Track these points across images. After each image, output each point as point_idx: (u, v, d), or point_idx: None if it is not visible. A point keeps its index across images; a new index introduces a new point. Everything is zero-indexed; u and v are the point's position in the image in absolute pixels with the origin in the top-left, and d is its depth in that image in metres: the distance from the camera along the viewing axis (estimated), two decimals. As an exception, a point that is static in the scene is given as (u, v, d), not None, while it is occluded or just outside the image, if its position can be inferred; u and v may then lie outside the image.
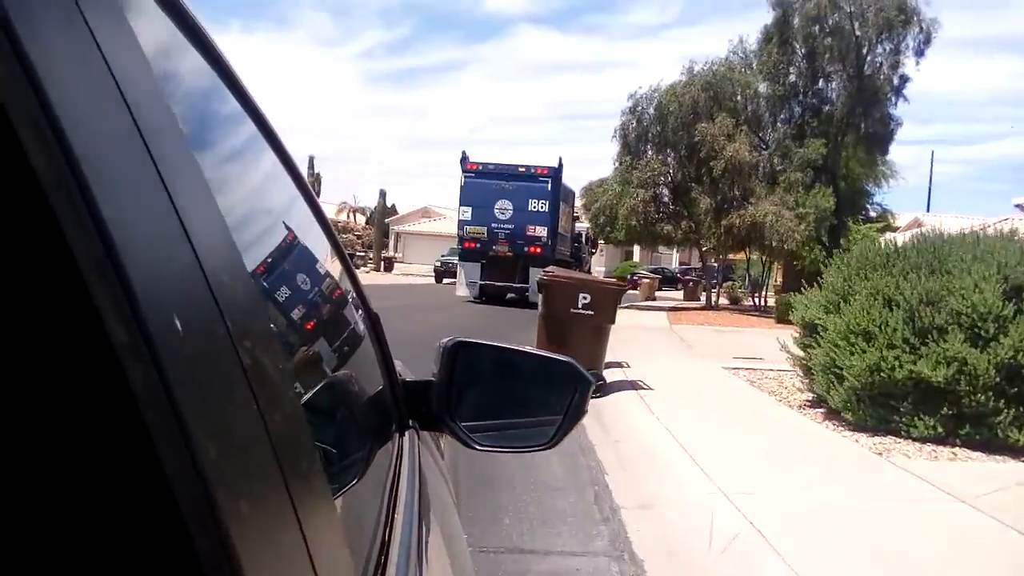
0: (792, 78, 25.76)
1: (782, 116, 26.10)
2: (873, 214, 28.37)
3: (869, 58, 24.87)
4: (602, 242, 31.75)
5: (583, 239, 29.82)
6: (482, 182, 22.05)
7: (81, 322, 0.33)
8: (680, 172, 24.22)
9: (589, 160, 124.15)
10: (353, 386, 1.13)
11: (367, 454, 1.06)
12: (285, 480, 0.49)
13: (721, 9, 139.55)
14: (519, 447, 1.44)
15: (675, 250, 41.63)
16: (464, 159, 22.60)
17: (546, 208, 21.96)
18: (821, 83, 26.01)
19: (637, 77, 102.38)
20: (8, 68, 0.32)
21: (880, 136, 25.73)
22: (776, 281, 36.89)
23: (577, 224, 28.83)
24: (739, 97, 24.21)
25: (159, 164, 0.43)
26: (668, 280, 44.42)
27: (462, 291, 22.69)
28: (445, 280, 29.92)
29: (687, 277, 40.09)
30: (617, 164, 25.34)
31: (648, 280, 34.50)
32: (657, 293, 34.18)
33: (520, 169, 22.25)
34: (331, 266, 1.20)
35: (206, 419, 0.38)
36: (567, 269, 25.49)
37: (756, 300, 26.20)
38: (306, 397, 0.78)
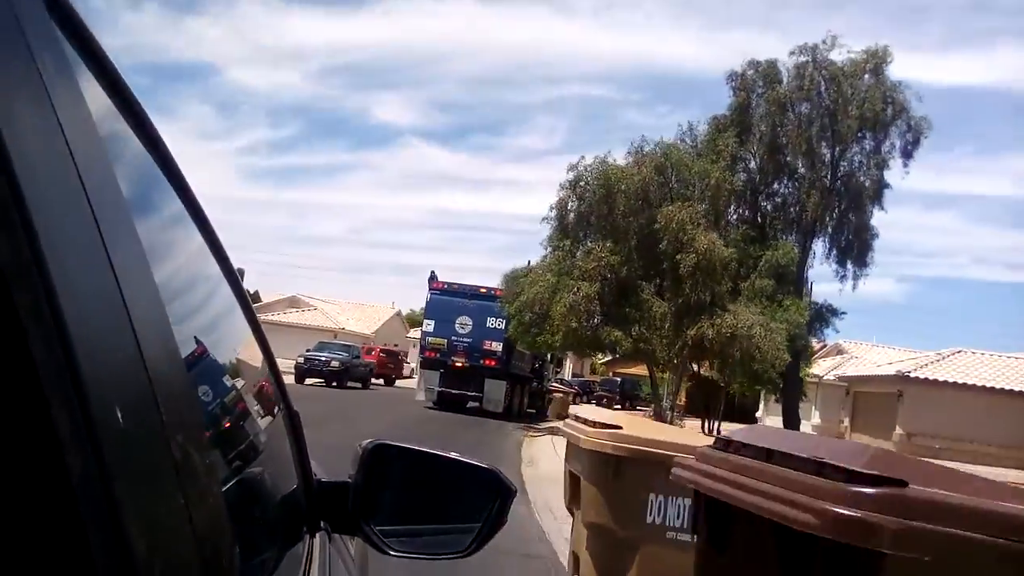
0: (751, 170, 21.98)
1: (740, 212, 22.15)
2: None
3: (848, 155, 21.46)
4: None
5: (547, 359, 30.06)
6: (445, 299, 23.75)
7: (26, 408, 0.33)
8: (628, 266, 19.85)
9: (469, 268, 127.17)
10: (268, 483, 1.11)
11: (278, 554, 1.04)
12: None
13: (599, 141, 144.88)
14: (434, 554, 1.40)
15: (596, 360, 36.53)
16: (432, 278, 24.42)
17: (502, 326, 22.65)
18: (785, 181, 22.33)
19: (520, 194, 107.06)
20: None
21: (859, 245, 22.06)
22: (680, 401, 34.62)
23: None
24: (694, 186, 19.93)
25: (109, 248, 0.43)
26: (581, 393, 39.88)
27: (420, 396, 23.93)
28: (307, 380, 26.84)
29: (601, 391, 35.31)
30: (550, 250, 21.25)
31: (560, 394, 29.56)
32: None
33: (481, 290, 23.83)
34: (255, 357, 1.20)
35: (138, 512, 0.38)
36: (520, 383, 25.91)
37: (707, 426, 21.23)
38: (224, 491, 0.75)
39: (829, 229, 22.89)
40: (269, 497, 1.10)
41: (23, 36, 0.39)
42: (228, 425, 0.93)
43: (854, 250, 22.62)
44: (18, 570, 0.32)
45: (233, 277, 1.09)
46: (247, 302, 1.18)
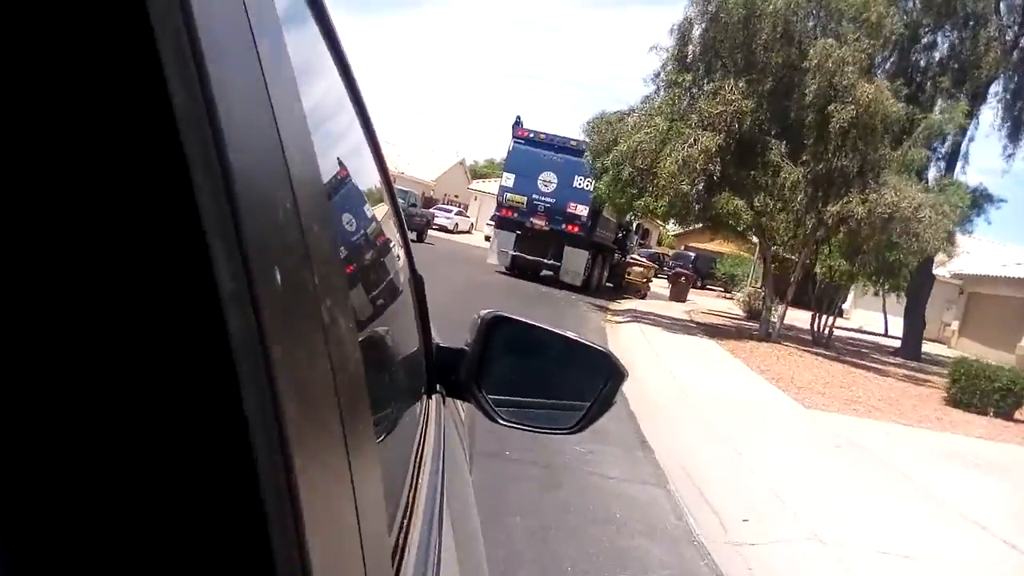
0: (909, 10, 17.33)
1: (892, 63, 17.67)
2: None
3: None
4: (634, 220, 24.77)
5: (632, 228, 26.74)
6: (530, 150, 20.69)
7: (190, 261, 0.33)
8: (757, 116, 14.58)
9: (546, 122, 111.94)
10: (394, 344, 1.13)
11: (399, 411, 1.07)
12: (344, 435, 0.50)
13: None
14: (542, 428, 1.43)
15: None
16: (517, 123, 21.17)
17: (590, 187, 18.95)
18: (951, 29, 17.68)
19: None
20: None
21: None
22: (752, 284, 29.96)
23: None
24: (843, 20, 15.19)
25: (274, 103, 0.43)
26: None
27: (493, 259, 21.78)
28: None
29: (678, 269, 31.87)
30: (661, 87, 15.67)
31: (641, 268, 26.42)
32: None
33: (572, 143, 19.89)
34: (389, 221, 1.19)
35: (290, 375, 0.39)
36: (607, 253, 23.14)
37: (817, 327, 17.82)
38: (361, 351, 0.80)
39: (1008, 95, 18.31)
40: (395, 358, 1.13)
41: None
42: (365, 287, 0.94)
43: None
44: (171, 422, 0.33)
45: (370, 129, 1.07)
46: (382, 160, 1.16)
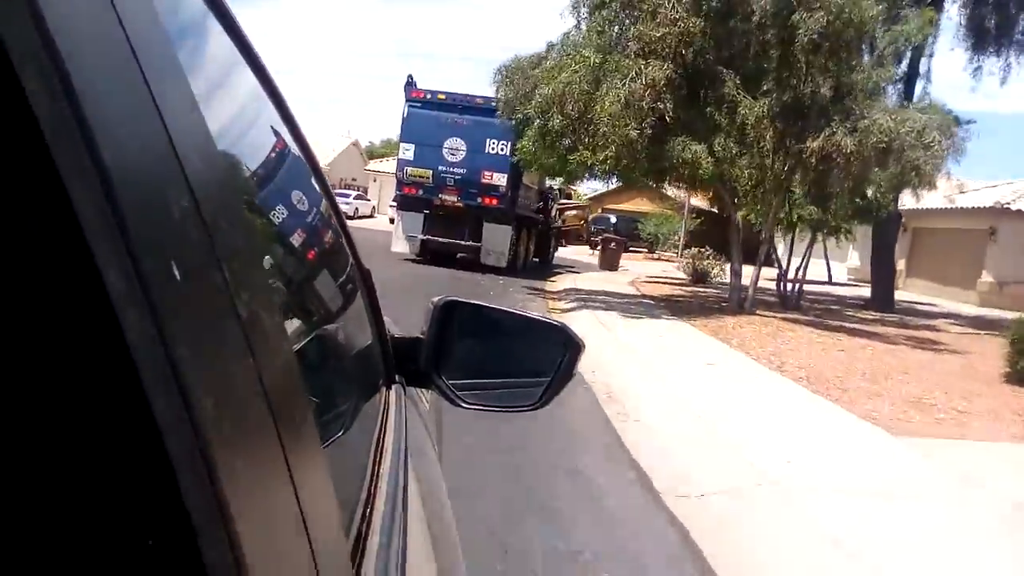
0: None
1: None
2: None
3: None
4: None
5: (552, 194, 23.09)
6: (429, 114, 17.10)
7: (75, 267, 0.32)
8: (709, 39, 11.74)
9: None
10: (344, 337, 1.12)
11: (355, 406, 1.06)
12: (279, 433, 0.48)
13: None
14: (506, 407, 1.44)
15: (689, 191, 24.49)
16: (410, 84, 17.49)
17: (508, 150, 16.21)
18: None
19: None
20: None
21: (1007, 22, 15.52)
22: (677, 240, 27.76)
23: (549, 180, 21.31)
24: None
25: (156, 97, 0.41)
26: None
27: (398, 247, 17.96)
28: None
29: (606, 234, 29.29)
30: (583, 19, 12.61)
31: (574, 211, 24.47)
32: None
33: (479, 100, 16.67)
34: (324, 211, 1.15)
35: (201, 369, 0.38)
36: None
37: (783, 288, 15.37)
38: (298, 346, 0.77)
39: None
40: (345, 351, 1.12)
41: None
42: (300, 281, 0.92)
43: (1007, 30, 15.93)
44: (78, 438, 0.32)
45: (288, 115, 1.02)
46: (310, 153, 1.11)
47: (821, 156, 11.20)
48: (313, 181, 1.10)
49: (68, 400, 0.32)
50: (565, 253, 26.57)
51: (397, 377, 1.39)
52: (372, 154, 55.38)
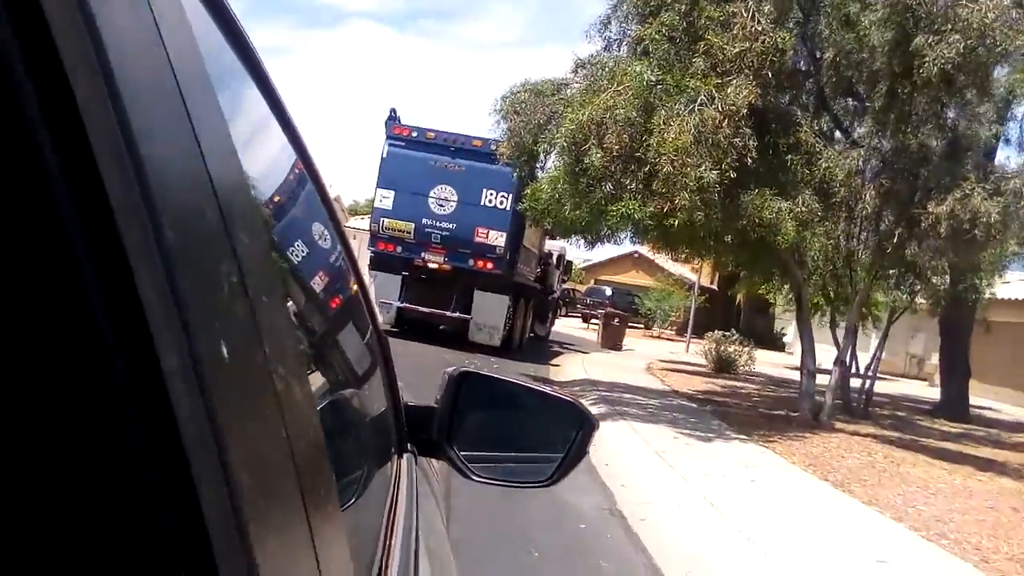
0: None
1: None
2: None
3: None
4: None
5: (553, 259, 19.57)
6: (415, 155, 14.14)
7: (132, 346, 0.33)
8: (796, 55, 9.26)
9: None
10: (360, 404, 1.12)
11: (367, 475, 1.06)
12: (305, 507, 0.49)
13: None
14: (517, 482, 1.42)
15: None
16: (392, 119, 14.52)
17: (508, 204, 13.47)
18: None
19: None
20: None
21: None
22: (676, 318, 29.09)
23: (549, 241, 18.40)
24: None
25: (212, 173, 0.42)
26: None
27: None
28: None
29: (609, 309, 26.34)
30: (629, 25, 9.54)
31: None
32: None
33: (475, 142, 13.75)
34: (348, 280, 1.17)
35: (243, 448, 0.39)
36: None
37: (846, 391, 12.21)
38: (321, 412, 0.77)
39: None
40: (361, 420, 1.12)
41: None
42: (325, 351, 0.93)
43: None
44: (118, 501, 0.33)
45: (320, 184, 1.03)
46: (337, 222, 1.11)
47: (950, 225, 8.23)
48: (341, 252, 1.11)
49: (121, 475, 0.33)
50: (555, 326, 23.65)
51: (409, 446, 1.38)
52: (355, 211, 52.70)
